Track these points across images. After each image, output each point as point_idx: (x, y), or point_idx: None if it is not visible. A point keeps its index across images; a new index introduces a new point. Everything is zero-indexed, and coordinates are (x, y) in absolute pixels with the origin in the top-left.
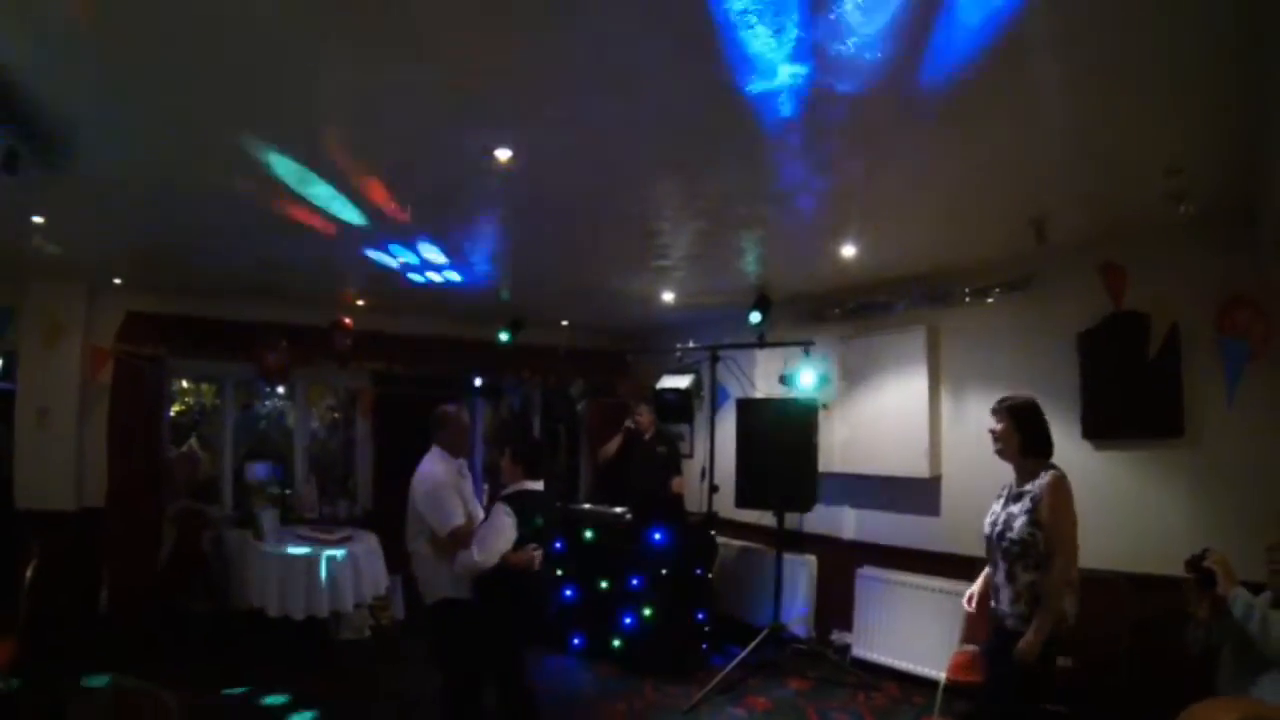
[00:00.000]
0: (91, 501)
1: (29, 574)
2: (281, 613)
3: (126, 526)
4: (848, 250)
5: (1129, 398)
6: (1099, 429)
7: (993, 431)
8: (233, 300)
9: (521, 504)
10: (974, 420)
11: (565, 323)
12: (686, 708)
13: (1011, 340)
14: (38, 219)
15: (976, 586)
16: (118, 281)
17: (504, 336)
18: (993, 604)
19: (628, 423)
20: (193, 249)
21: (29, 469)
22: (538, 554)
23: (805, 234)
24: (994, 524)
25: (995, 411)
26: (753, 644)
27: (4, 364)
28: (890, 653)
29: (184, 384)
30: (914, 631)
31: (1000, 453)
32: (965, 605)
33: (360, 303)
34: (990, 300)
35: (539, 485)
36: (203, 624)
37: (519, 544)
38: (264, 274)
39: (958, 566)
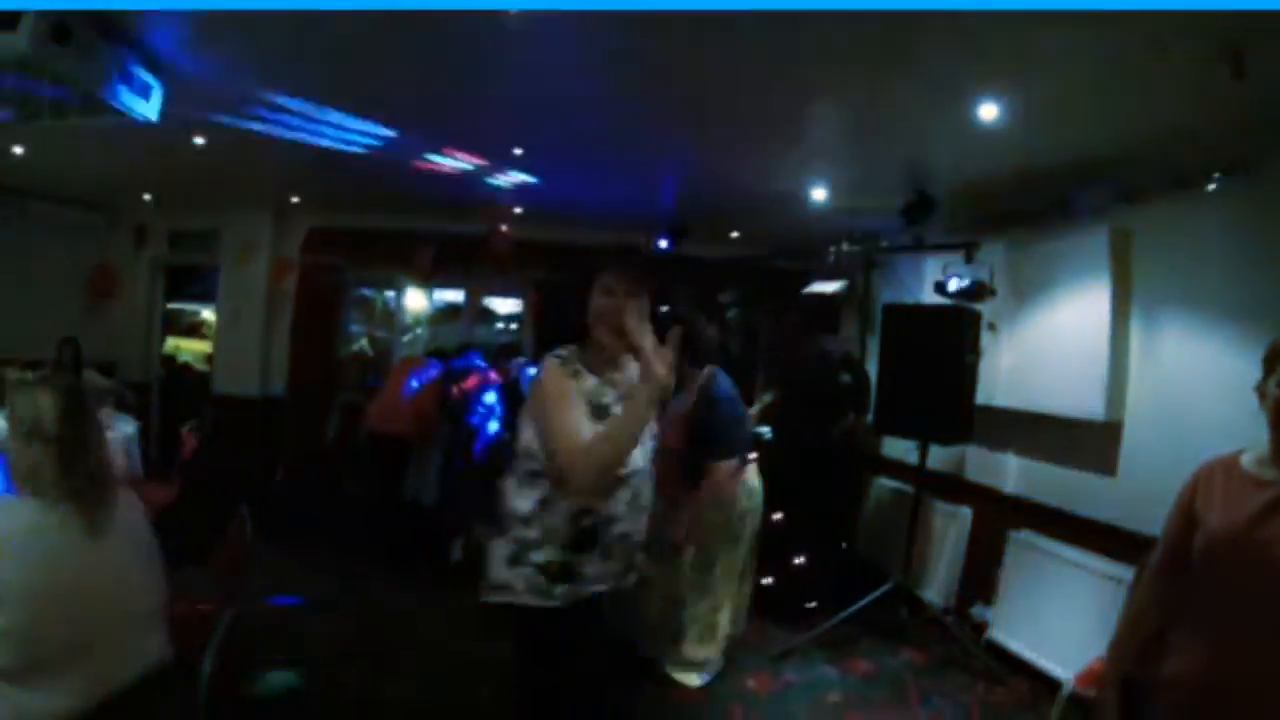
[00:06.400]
0: (275, 391)
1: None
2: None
3: (302, 413)
4: (988, 110)
5: None
6: None
7: None
8: (401, 215)
9: None
10: (1172, 352)
11: (735, 234)
12: (775, 653)
13: (1227, 246)
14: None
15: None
16: (295, 200)
17: (663, 244)
18: None
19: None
20: None
21: (225, 362)
22: None
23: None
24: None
25: None
26: (864, 601)
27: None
28: (1030, 642)
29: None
30: (1061, 620)
31: None
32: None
33: (518, 210)
34: (1203, 190)
35: None
36: (358, 506)
37: None
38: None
39: (1130, 545)
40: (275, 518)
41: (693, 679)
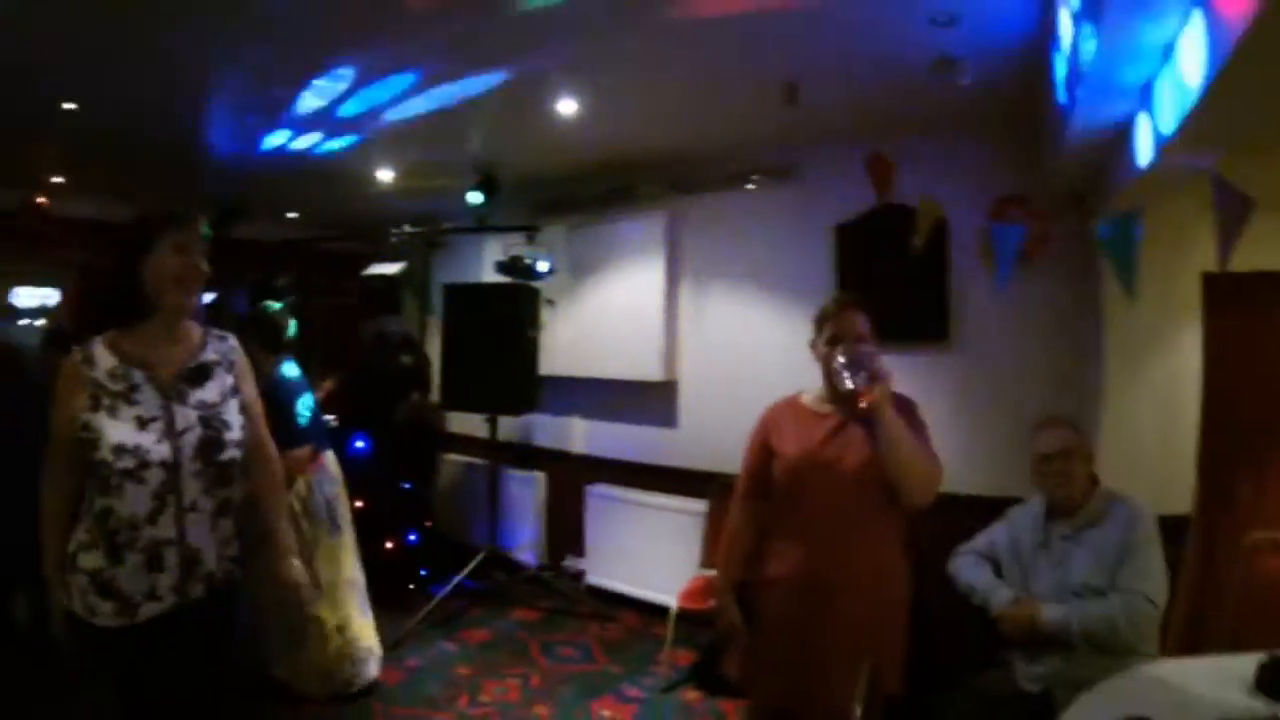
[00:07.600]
0: None
1: None
2: None
3: None
4: (567, 106)
5: (890, 298)
6: None
7: None
8: None
9: None
10: (716, 320)
11: (292, 215)
12: (390, 643)
13: (764, 233)
14: None
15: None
16: None
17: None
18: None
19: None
20: None
21: None
22: None
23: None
24: None
25: None
26: (466, 570)
27: None
28: (626, 580)
29: None
30: (650, 556)
31: None
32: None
33: (57, 179)
34: (745, 187)
35: None
36: None
37: None
38: None
39: (695, 483)
40: None
41: (317, 691)
